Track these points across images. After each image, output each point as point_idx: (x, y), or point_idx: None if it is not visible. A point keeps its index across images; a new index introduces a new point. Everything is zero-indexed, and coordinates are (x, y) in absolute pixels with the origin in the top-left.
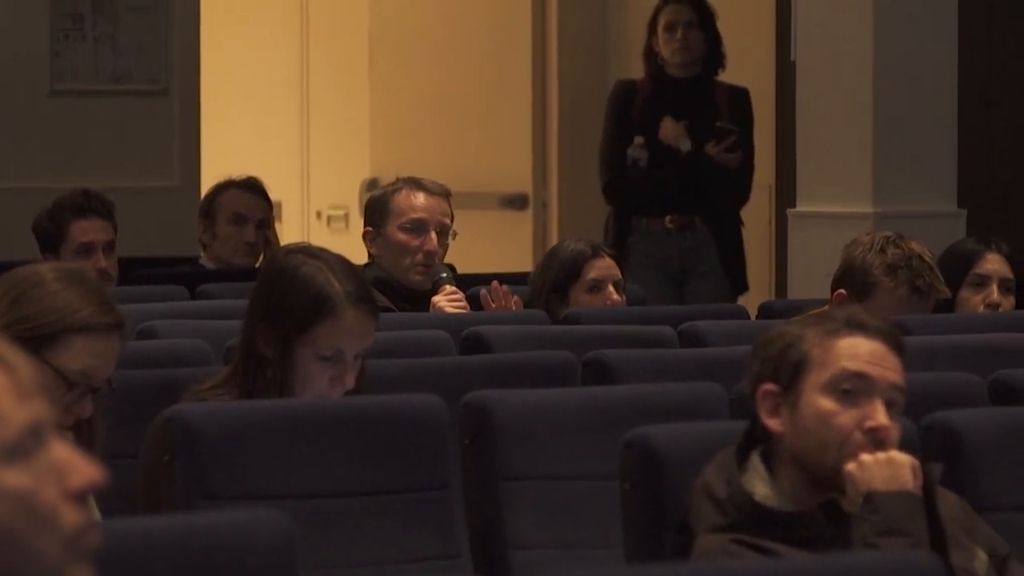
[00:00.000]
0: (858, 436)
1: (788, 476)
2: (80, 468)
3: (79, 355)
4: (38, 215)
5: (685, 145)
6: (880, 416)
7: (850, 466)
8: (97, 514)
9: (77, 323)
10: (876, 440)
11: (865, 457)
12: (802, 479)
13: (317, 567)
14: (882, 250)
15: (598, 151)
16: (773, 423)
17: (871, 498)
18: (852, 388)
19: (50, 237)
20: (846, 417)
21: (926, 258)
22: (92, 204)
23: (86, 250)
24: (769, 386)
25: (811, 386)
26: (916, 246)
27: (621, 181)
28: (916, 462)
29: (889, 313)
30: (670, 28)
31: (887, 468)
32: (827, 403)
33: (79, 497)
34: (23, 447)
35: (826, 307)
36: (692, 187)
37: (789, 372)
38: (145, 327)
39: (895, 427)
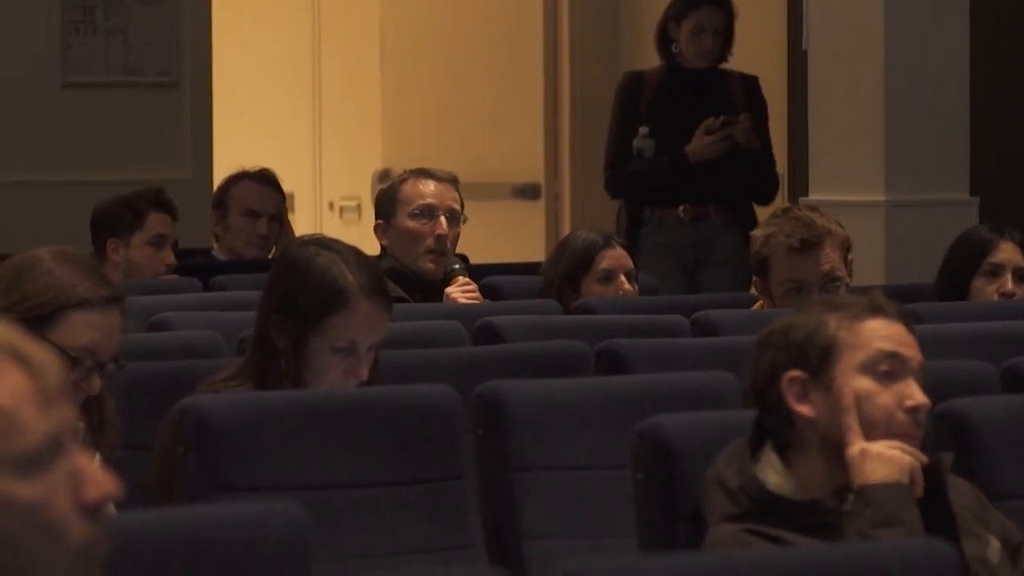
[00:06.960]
0: (900, 415)
1: (809, 464)
2: (96, 480)
3: (80, 330)
4: (101, 205)
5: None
6: (919, 395)
7: (853, 451)
8: (112, 509)
9: (75, 298)
10: (918, 419)
11: (869, 446)
12: (826, 465)
13: (331, 558)
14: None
15: (604, 146)
16: (804, 408)
17: (863, 492)
18: (890, 368)
19: (125, 223)
20: (886, 396)
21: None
22: (167, 201)
23: (159, 242)
24: (795, 372)
25: (845, 368)
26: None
27: (620, 176)
28: (916, 464)
29: (788, 274)
30: (699, 31)
31: (885, 462)
32: (866, 383)
33: (92, 509)
34: (39, 458)
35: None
36: (715, 177)
37: (817, 356)
38: (158, 319)
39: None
